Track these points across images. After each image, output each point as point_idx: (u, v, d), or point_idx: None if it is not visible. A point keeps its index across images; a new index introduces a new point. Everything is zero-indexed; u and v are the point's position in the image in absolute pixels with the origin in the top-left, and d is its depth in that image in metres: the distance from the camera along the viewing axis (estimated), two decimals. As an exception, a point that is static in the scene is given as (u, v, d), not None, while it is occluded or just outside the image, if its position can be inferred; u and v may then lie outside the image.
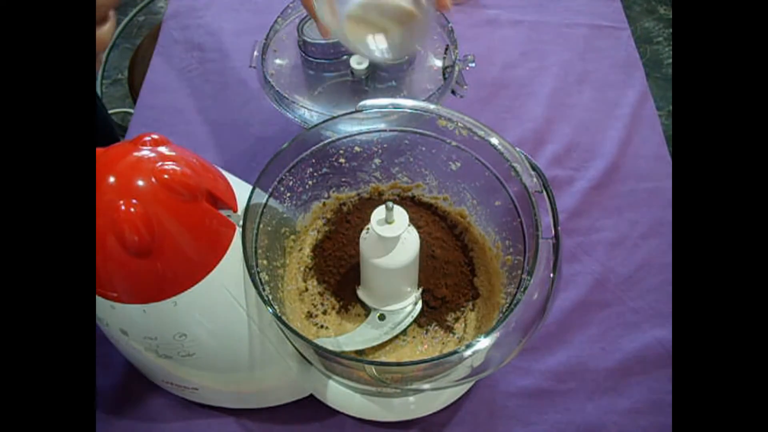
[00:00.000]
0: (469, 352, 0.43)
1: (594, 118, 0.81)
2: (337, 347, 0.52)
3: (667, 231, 0.70)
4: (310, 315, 0.56)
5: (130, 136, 0.79)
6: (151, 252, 0.41)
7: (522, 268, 0.50)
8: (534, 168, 0.50)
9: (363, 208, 0.61)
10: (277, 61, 0.71)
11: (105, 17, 0.47)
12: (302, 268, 0.59)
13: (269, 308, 0.45)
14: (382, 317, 0.53)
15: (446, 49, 0.68)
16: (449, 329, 0.55)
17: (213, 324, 0.47)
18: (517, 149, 0.51)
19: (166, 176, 0.42)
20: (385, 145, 0.58)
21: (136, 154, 0.43)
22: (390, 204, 0.47)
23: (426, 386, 0.47)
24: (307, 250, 0.60)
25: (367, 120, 0.56)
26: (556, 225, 0.47)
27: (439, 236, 0.58)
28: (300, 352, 0.52)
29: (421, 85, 0.68)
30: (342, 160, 0.58)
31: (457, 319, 0.56)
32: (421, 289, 0.55)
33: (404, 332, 0.54)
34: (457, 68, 0.64)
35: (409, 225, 0.48)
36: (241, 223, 0.47)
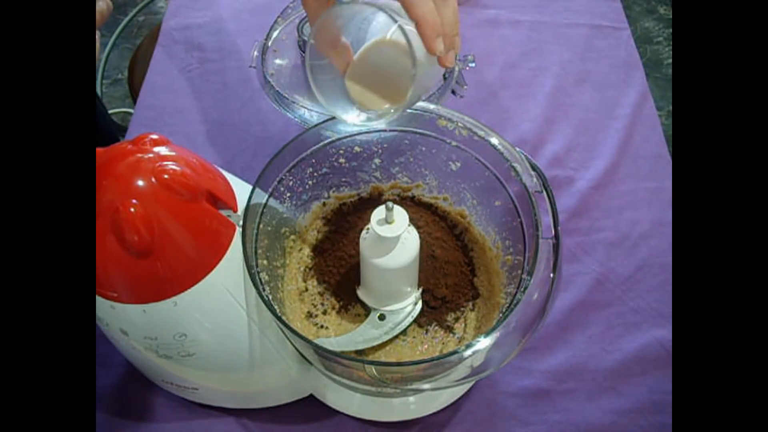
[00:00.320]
0: (469, 352, 0.43)
1: (594, 118, 0.81)
2: (337, 347, 0.52)
3: (667, 231, 0.70)
4: (310, 315, 0.56)
5: (130, 136, 0.79)
6: (151, 252, 0.41)
7: (522, 268, 0.50)
8: (534, 168, 0.50)
9: (363, 208, 0.61)
10: (277, 61, 0.71)
11: None
12: (302, 268, 0.59)
13: (269, 308, 0.45)
14: (382, 317, 0.53)
15: (446, 49, 0.68)
16: (449, 329, 0.55)
17: (213, 324, 0.47)
18: (517, 149, 0.51)
19: (166, 176, 0.42)
20: (385, 145, 0.58)
21: (136, 154, 0.43)
22: (390, 204, 0.47)
23: (426, 386, 0.47)
24: (307, 250, 0.60)
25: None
26: (556, 225, 0.47)
27: (439, 236, 0.58)
28: (300, 352, 0.52)
29: (421, 85, 0.68)
30: (342, 160, 0.58)
31: (457, 319, 0.56)
32: (421, 289, 0.55)
33: (404, 332, 0.54)
34: (457, 68, 0.64)
35: (409, 225, 0.48)
36: (241, 223, 0.47)
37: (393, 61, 0.47)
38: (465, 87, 0.65)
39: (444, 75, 0.65)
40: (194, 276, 0.44)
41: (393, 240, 0.48)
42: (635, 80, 0.85)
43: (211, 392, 0.56)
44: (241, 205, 0.48)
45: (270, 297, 0.49)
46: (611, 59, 0.87)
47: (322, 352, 0.46)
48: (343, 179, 0.61)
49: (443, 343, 0.54)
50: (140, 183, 0.41)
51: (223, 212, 0.46)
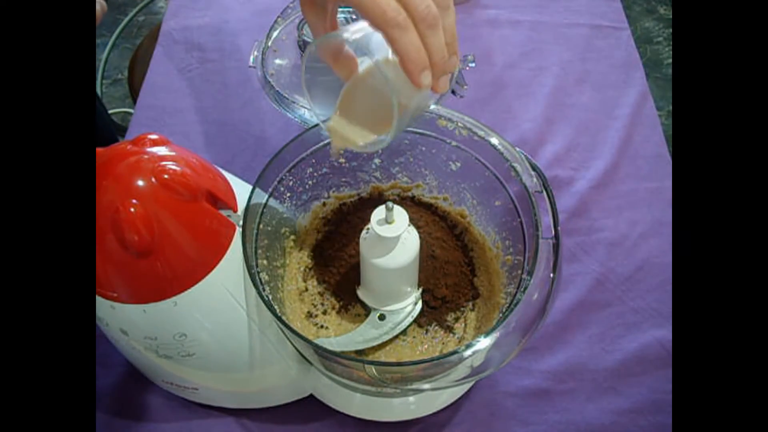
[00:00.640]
0: (469, 352, 0.43)
1: (594, 118, 0.81)
2: (337, 347, 0.52)
3: (667, 231, 0.70)
4: (310, 315, 0.56)
5: (130, 136, 0.79)
6: (151, 252, 0.41)
7: (522, 268, 0.50)
8: (534, 168, 0.50)
9: (363, 208, 0.61)
10: (277, 61, 0.71)
11: None
12: (302, 268, 0.59)
13: (269, 308, 0.45)
14: (382, 317, 0.53)
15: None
16: (449, 329, 0.55)
17: (213, 324, 0.47)
18: (517, 149, 0.51)
19: (166, 176, 0.42)
20: (385, 145, 0.58)
21: (136, 154, 0.43)
22: (390, 204, 0.47)
23: (426, 386, 0.47)
24: (307, 250, 0.60)
25: (367, 120, 0.56)
26: (556, 225, 0.47)
27: (439, 236, 0.58)
28: (300, 352, 0.52)
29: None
30: (342, 160, 0.58)
31: (457, 319, 0.56)
32: (421, 289, 0.55)
33: (404, 332, 0.54)
34: (457, 68, 0.64)
35: (409, 225, 0.48)
36: (241, 223, 0.47)
37: (381, 89, 0.44)
38: (465, 87, 0.65)
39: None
40: (194, 276, 0.44)
41: (393, 240, 0.48)
42: (635, 80, 0.85)
43: (211, 392, 0.56)
44: (241, 205, 0.48)
45: (270, 297, 0.49)
46: (611, 59, 0.87)
47: (322, 352, 0.46)
48: (343, 179, 0.61)
49: (443, 343, 0.54)
50: (140, 183, 0.41)
51: (223, 212, 0.46)
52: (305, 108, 0.64)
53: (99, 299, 0.44)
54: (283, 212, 0.56)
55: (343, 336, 0.53)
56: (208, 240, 0.45)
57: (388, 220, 0.48)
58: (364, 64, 0.45)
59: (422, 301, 0.55)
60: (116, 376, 0.60)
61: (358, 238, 0.51)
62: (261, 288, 0.47)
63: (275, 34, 0.71)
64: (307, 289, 0.57)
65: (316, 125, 0.54)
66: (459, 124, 0.53)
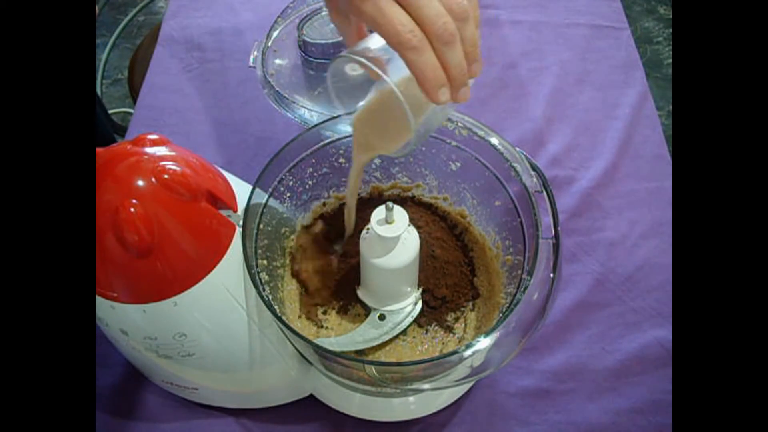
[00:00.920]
0: (469, 352, 0.43)
1: (594, 118, 0.81)
2: (337, 347, 0.52)
3: (667, 231, 0.70)
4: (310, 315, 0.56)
5: (130, 136, 0.79)
6: (151, 252, 0.41)
7: (522, 268, 0.50)
8: (534, 168, 0.50)
9: (363, 208, 0.61)
10: (277, 61, 0.71)
11: None
12: (302, 268, 0.59)
13: (269, 308, 0.45)
14: (382, 317, 0.53)
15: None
16: (449, 329, 0.55)
17: (213, 324, 0.47)
18: (517, 149, 0.51)
19: (166, 176, 0.42)
20: (385, 145, 0.58)
21: (136, 154, 0.43)
22: (390, 204, 0.47)
23: (426, 386, 0.47)
24: (307, 250, 0.60)
25: (367, 120, 0.56)
26: (556, 225, 0.47)
27: (439, 236, 0.58)
28: (300, 352, 0.52)
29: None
30: (342, 160, 0.58)
31: (457, 319, 0.56)
32: (421, 289, 0.55)
33: (404, 332, 0.54)
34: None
35: (409, 225, 0.48)
36: (241, 223, 0.47)
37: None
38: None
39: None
40: (194, 276, 0.44)
41: (393, 240, 0.48)
42: (635, 80, 0.85)
43: (210, 392, 0.56)
44: (241, 205, 0.48)
45: (270, 297, 0.49)
46: (611, 59, 0.87)
47: (322, 352, 0.46)
48: (343, 179, 0.61)
49: (443, 343, 0.54)
50: (140, 183, 0.41)
51: (223, 212, 0.46)
52: (305, 108, 0.64)
53: (99, 299, 0.44)
54: (283, 212, 0.56)
55: (343, 336, 0.53)
56: (208, 240, 0.45)
57: (388, 220, 0.48)
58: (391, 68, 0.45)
59: (422, 301, 0.55)
60: (116, 376, 0.60)
61: (358, 238, 0.51)
62: (261, 288, 0.47)
63: (275, 34, 0.71)
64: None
65: (316, 125, 0.54)
66: (459, 124, 0.53)
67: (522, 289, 0.46)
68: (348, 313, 0.56)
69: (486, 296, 0.56)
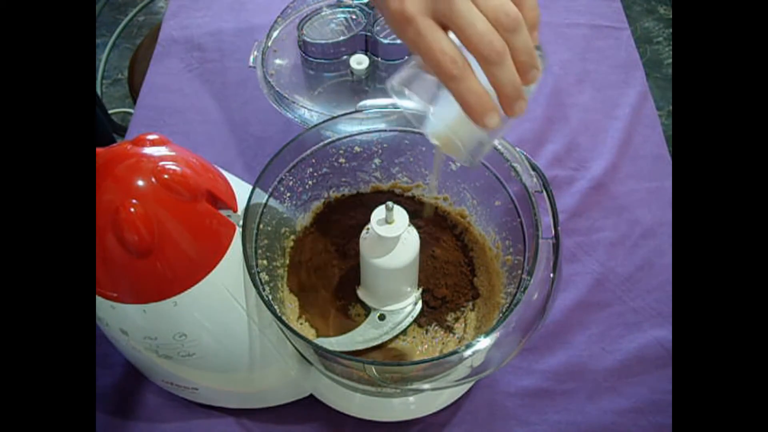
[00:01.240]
0: (469, 352, 0.43)
1: (594, 118, 0.81)
2: (337, 347, 0.52)
3: (667, 231, 0.70)
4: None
5: (130, 136, 0.79)
6: (151, 252, 0.41)
7: (522, 268, 0.50)
8: (534, 168, 0.50)
9: (363, 208, 0.61)
10: (277, 61, 0.71)
11: None
12: (302, 268, 0.59)
13: (269, 308, 0.45)
14: (382, 317, 0.53)
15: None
16: (449, 329, 0.55)
17: (213, 324, 0.47)
18: (517, 149, 0.51)
19: (166, 176, 0.42)
20: (385, 145, 0.58)
21: (136, 154, 0.43)
22: (390, 204, 0.47)
23: (426, 386, 0.47)
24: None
25: (367, 120, 0.56)
26: (556, 225, 0.47)
27: (439, 236, 0.58)
28: (300, 352, 0.52)
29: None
30: (342, 160, 0.58)
31: (457, 319, 0.56)
32: (421, 289, 0.55)
33: (404, 332, 0.54)
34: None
35: (409, 225, 0.48)
36: (241, 223, 0.47)
37: None
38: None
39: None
40: (194, 276, 0.44)
41: (393, 240, 0.48)
42: (635, 80, 0.85)
43: (211, 392, 0.56)
44: (241, 205, 0.48)
45: (270, 297, 0.49)
46: (611, 59, 0.87)
47: (322, 352, 0.46)
48: (343, 179, 0.61)
49: (443, 343, 0.54)
50: (140, 183, 0.41)
51: (223, 212, 0.46)
52: (305, 108, 0.64)
53: (99, 299, 0.44)
54: (283, 212, 0.56)
55: (343, 336, 0.53)
56: (208, 240, 0.45)
57: (388, 220, 0.48)
58: None
59: (422, 301, 0.55)
60: (116, 376, 0.60)
61: (359, 238, 0.51)
62: (261, 288, 0.47)
63: (275, 34, 0.71)
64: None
65: (316, 125, 0.54)
66: (459, 124, 0.53)
67: (522, 289, 0.46)
68: (348, 313, 0.56)
69: (486, 296, 0.56)
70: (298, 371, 0.54)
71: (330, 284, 0.57)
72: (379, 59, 0.69)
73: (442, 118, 0.41)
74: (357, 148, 0.58)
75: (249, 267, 0.46)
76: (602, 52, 0.88)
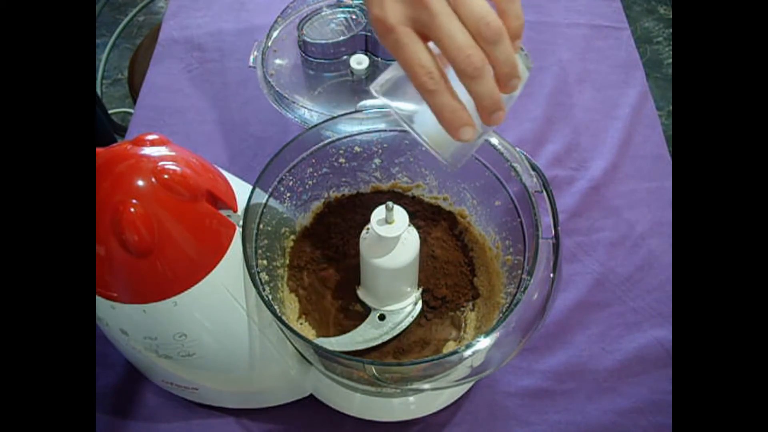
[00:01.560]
0: (469, 352, 0.43)
1: (594, 118, 0.81)
2: (337, 347, 0.52)
3: (667, 231, 0.70)
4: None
5: (130, 136, 0.79)
6: (151, 252, 0.41)
7: (522, 268, 0.50)
8: (534, 168, 0.50)
9: (363, 208, 0.61)
10: (277, 61, 0.71)
11: None
12: (302, 268, 0.59)
13: (269, 308, 0.45)
14: (382, 317, 0.53)
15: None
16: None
17: (213, 324, 0.47)
18: (517, 149, 0.51)
19: (166, 176, 0.42)
20: (385, 145, 0.58)
21: (136, 154, 0.43)
22: (390, 204, 0.47)
23: (426, 386, 0.47)
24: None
25: (367, 120, 0.56)
26: (556, 225, 0.47)
27: (439, 236, 0.58)
28: (300, 352, 0.52)
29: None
30: (342, 160, 0.58)
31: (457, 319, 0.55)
32: (421, 289, 0.55)
33: (404, 332, 0.54)
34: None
35: (409, 225, 0.48)
36: (241, 223, 0.47)
37: None
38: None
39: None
40: (194, 276, 0.44)
41: (393, 240, 0.48)
42: (635, 80, 0.85)
43: (211, 392, 0.56)
44: (241, 205, 0.48)
45: (270, 297, 0.49)
46: (611, 59, 0.87)
47: (322, 352, 0.46)
48: (343, 179, 0.61)
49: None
50: (140, 183, 0.41)
51: (223, 212, 0.46)
52: (305, 108, 0.64)
53: (99, 299, 0.44)
54: (283, 212, 0.56)
55: (343, 336, 0.53)
56: (208, 240, 0.45)
57: (388, 220, 0.48)
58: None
59: (422, 301, 0.55)
60: (116, 376, 0.60)
61: (358, 237, 0.51)
62: (261, 288, 0.47)
63: (275, 34, 0.71)
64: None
65: (316, 125, 0.54)
66: (459, 124, 0.53)
67: (522, 289, 0.46)
68: (348, 313, 0.56)
69: (486, 296, 0.56)
70: (298, 371, 0.54)
71: (330, 284, 0.57)
72: (379, 59, 0.69)
73: (424, 123, 0.41)
74: (357, 148, 0.58)
75: (249, 267, 0.46)
76: (602, 52, 0.88)
